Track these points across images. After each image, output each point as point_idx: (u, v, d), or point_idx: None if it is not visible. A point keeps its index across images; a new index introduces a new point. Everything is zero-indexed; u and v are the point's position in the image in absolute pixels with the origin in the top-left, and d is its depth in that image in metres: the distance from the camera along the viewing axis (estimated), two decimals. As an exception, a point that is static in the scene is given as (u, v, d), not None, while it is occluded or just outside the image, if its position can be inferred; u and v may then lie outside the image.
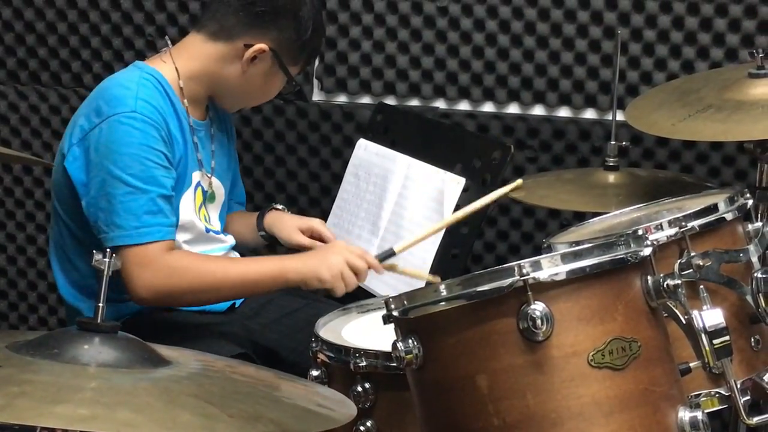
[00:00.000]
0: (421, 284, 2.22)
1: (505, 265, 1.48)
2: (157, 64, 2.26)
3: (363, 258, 2.18)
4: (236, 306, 2.40)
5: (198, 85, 2.27)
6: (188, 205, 2.27)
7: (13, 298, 3.28)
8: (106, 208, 2.12)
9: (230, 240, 2.40)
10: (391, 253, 2.24)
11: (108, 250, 1.45)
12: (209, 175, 2.33)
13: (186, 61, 2.26)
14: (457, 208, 2.33)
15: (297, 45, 2.26)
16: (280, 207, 2.51)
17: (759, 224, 1.89)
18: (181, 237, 2.24)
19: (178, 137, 2.22)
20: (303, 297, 2.53)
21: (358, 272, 2.17)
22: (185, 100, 2.25)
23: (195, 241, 2.28)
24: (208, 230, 2.32)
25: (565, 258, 1.50)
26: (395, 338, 1.58)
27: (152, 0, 3.02)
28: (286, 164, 3.03)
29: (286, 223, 2.42)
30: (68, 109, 3.11)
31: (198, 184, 2.30)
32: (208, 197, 2.34)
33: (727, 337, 1.65)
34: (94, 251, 1.46)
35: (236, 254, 2.44)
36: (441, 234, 2.32)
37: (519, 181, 2.33)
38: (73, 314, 2.29)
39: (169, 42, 2.32)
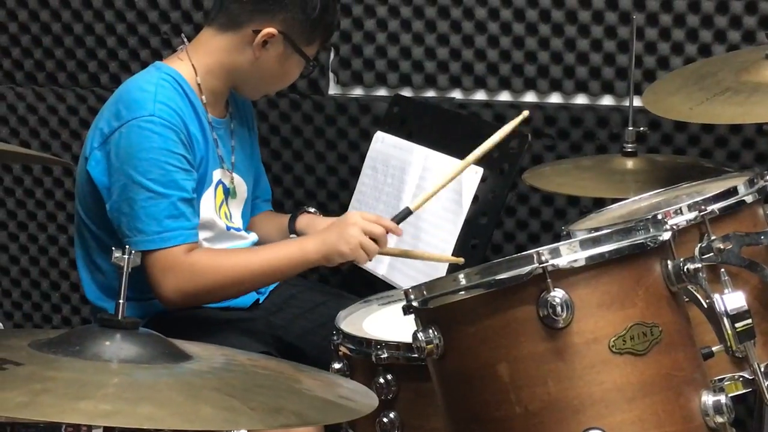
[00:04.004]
0: (442, 273, 2.22)
1: (523, 253, 1.48)
2: (174, 63, 2.27)
3: (379, 223, 2.18)
4: (260, 302, 2.41)
5: (216, 79, 2.28)
6: (209, 203, 2.27)
7: (36, 299, 3.29)
8: (128, 212, 2.13)
9: (252, 237, 2.40)
10: (407, 213, 2.23)
11: (126, 246, 1.46)
12: (230, 172, 2.34)
13: (202, 56, 2.27)
14: (476, 199, 2.33)
15: (307, 24, 2.25)
16: (312, 210, 2.51)
17: (779, 206, 1.88)
18: (201, 235, 2.24)
19: (198, 137, 2.23)
20: (325, 292, 2.53)
21: (377, 238, 2.17)
22: (203, 97, 2.26)
23: (216, 239, 2.29)
24: (228, 228, 2.32)
25: (584, 244, 1.49)
26: (415, 329, 1.58)
27: (167, -2, 3.04)
28: (303, 159, 3.03)
29: (319, 226, 2.39)
30: (86, 109, 3.12)
31: (219, 181, 2.30)
32: (230, 194, 2.34)
33: (749, 320, 1.63)
34: (113, 248, 1.47)
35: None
36: (460, 224, 2.31)
37: (525, 113, 2.25)
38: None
39: (185, 40, 2.34)
